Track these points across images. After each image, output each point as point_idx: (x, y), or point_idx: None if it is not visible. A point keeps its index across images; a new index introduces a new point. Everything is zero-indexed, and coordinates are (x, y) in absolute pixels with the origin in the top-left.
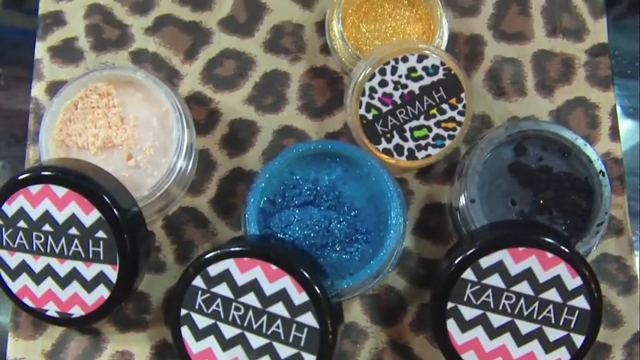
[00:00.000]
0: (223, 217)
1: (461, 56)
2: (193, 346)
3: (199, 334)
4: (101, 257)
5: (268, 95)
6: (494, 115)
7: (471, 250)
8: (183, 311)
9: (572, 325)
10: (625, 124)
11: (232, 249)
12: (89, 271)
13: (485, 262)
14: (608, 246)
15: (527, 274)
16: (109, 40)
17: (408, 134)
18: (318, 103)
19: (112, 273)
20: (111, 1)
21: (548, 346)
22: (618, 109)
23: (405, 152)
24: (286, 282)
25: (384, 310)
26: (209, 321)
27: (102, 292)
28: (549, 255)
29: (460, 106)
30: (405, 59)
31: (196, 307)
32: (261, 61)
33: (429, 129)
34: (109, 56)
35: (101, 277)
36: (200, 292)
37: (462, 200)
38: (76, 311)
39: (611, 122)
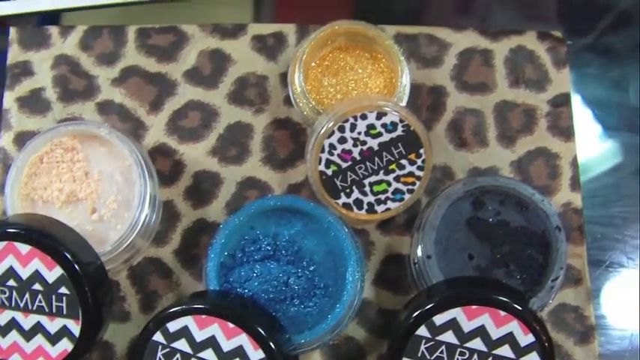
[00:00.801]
0: (187, 268)
1: (423, 107)
2: None
3: None
4: (64, 312)
5: (232, 147)
6: (455, 166)
7: (425, 308)
8: None
9: None
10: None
11: (190, 306)
12: (53, 325)
13: (438, 319)
14: (567, 296)
15: (481, 331)
16: (76, 91)
17: (367, 189)
18: (281, 154)
19: (74, 327)
20: (78, 51)
21: None
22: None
23: (365, 206)
24: (243, 339)
25: None
26: None
27: (65, 346)
28: (502, 313)
29: (419, 162)
30: (363, 117)
31: None
32: (225, 112)
33: (389, 184)
34: (75, 107)
35: (64, 331)
36: (160, 347)
37: (419, 255)
38: None
39: (572, 172)
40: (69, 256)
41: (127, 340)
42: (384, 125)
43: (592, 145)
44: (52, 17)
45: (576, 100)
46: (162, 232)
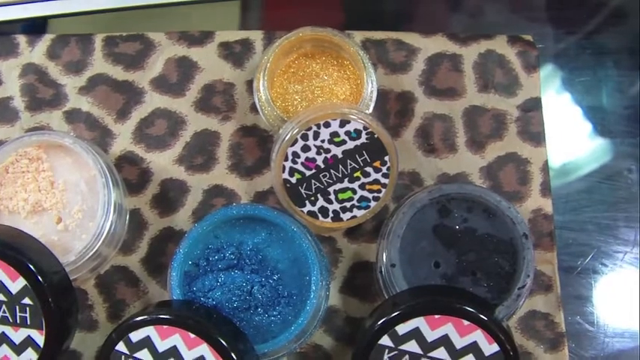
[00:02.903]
0: (154, 276)
1: (391, 113)
2: None
3: None
4: (28, 322)
5: (198, 155)
6: (424, 173)
7: (388, 317)
8: None
9: None
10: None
11: (152, 316)
12: (17, 336)
13: (401, 328)
14: (537, 303)
15: (444, 341)
16: (44, 100)
17: (332, 197)
18: (247, 162)
19: (39, 337)
20: (46, 60)
21: None
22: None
23: (330, 214)
24: (204, 350)
25: None
26: None
27: (30, 356)
28: (465, 322)
29: (384, 169)
30: (327, 124)
31: None
32: (192, 120)
33: (354, 191)
34: (43, 116)
35: (29, 342)
36: (123, 357)
37: (384, 262)
38: None
39: (543, 178)
40: (32, 267)
41: (95, 349)
42: (347, 133)
43: (564, 150)
44: (38, 25)
45: (548, 105)
46: (129, 241)
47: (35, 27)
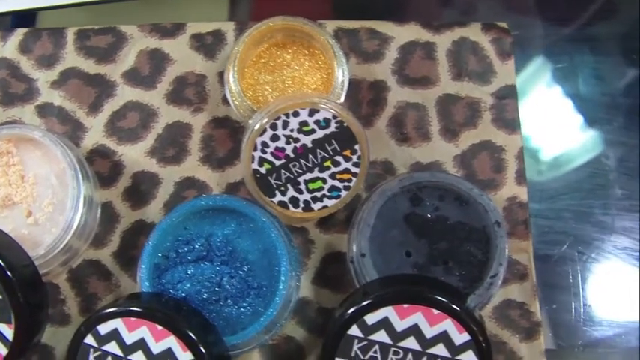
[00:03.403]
0: (126, 269)
1: (363, 102)
2: None
3: None
4: None
5: (170, 147)
6: (397, 162)
7: (357, 307)
8: None
9: None
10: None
11: (120, 308)
12: None
13: (370, 318)
14: (512, 291)
15: (414, 330)
16: (16, 95)
17: (302, 187)
18: (219, 153)
19: (8, 331)
20: (18, 54)
21: None
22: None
23: (301, 204)
24: (172, 341)
25: (283, 359)
26: None
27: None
28: (435, 311)
29: (355, 158)
30: (295, 114)
31: None
32: (164, 112)
33: (324, 181)
34: (15, 110)
35: None
36: (92, 350)
37: (355, 252)
38: None
39: (518, 166)
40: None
41: (67, 343)
42: (316, 122)
43: (539, 137)
44: (27, 18)
45: (524, 93)
46: (101, 234)
47: (25, 19)
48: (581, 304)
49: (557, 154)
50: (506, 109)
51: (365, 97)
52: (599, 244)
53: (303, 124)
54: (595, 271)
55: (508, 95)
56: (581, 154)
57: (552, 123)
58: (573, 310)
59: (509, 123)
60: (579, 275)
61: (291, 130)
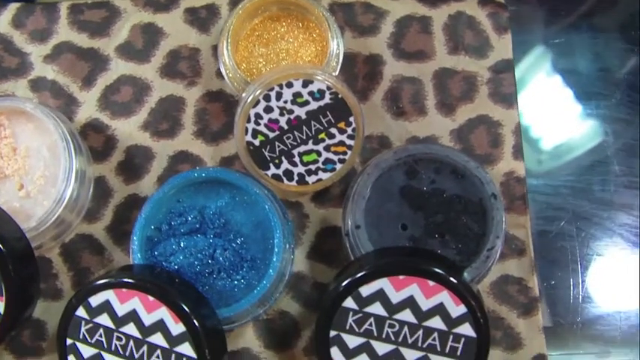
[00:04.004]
0: (119, 244)
1: (359, 76)
2: None
3: None
4: None
5: (164, 121)
6: (393, 136)
7: (351, 279)
8: (69, 341)
9: (458, 353)
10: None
11: (111, 280)
12: None
13: (365, 290)
14: (510, 267)
15: (409, 303)
16: (9, 69)
17: (297, 159)
18: (213, 127)
19: None
20: (11, 29)
21: None
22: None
23: (295, 177)
24: (163, 313)
25: (278, 334)
26: (93, 351)
27: None
28: (431, 283)
29: (350, 130)
30: (289, 85)
31: (81, 337)
32: (157, 86)
33: (319, 153)
34: (8, 85)
35: None
36: (83, 322)
37: (350, 225)
38: None
39: (515, 140)
40: None
41: (59, 317)
42: (310, 93)
43: (537, 113)
44: None
45: (520, 68)
46: (93, 209)
47: None
48: (580, 281)
49: (555, 130)
50: (502, 83)
51: (360, 71)
52: (598, 221)
53: (297, 95)
54: (594, 247)
55: (505, 70)
56: (579, 131)
57: (549, 99)
58: (572, 287)
59: (506, 97)
60: (578, 252)
61: (285, 102)
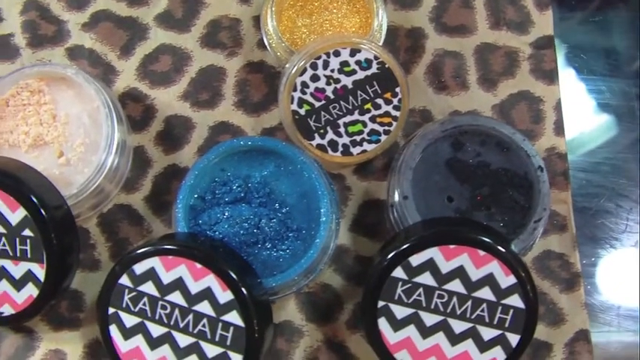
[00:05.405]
0: (158, 215)
1: (401, 49)
2: (122, 344)
3: (127, 333)
4: (28, 255)
5: (204, 91)
6: (435, 110)
7: (401, 248)
8: (111, 310)
9: (506, 324)
10: (572, 119)
11: (157, 247)
12: (17, 270)
13: (415, 259)
14: (552, 243)
15: (459, 272)
16: (45, 37)
17: (342, 130)
18: (254, 98)
19: (39, 271)
20: None
21: (483, 346)
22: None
23: (340, 148)
24: (211, 280)
25: (320, 308)
26: (136, 319)
27: (31, 291)
28: (481, 253)
29: (395, 101)
30: (337, 53)
31: (123, 305)
32: (198, 56)
33: (364, 124)
34: (45, 52)
35: (29, 276)
36: (127, 291)
37: (396, 197)
38: (6, 310)
39: (556, 116)
40: (33, 198)
41: (97, 288)
42: (358, 62)
43: (576, 90)
44: None
45: (560, 45)
46: (132, 179)
47: None
48: (619, 259)
49: (594, 107)
50: (544, 59)
51: (402, 45)
52: (636, 198)
53: (344, 64)
54: (633, 225)
55: (546, 46)
56: (618, 107)
57: (589, 76)
58: (612, 264)
59: (548, 74)
60: (617, 229)
61: (332, 71)
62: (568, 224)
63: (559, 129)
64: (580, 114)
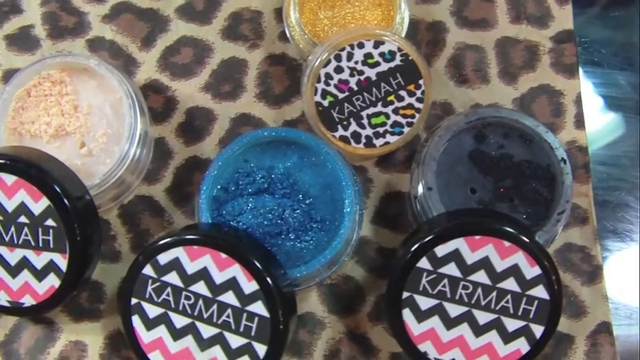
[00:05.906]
0: (179, 206)
1: (422, 43)
2: (144, 335)
3: (150, 324)
4: (51, 245)
5: (225, 83)
6: (456, 103)
7: (427, 239)
8: (134, 300)
9: (531, 315)
10: (591, 112)
11: (182, 237)
12: (39, 260)
13: (440, 250)
14: (573, 235)
15: (484, 263)
16: (66, 28)
17: (365, 121)
18: (276, 90)
19: (61, 262)
20: None
21: (507, 337)
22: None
23: (363, 140)
24: (236, 270)
25: (342, 299)
26: (159, 310)
27: (52, 281)
28: (506, 244)
29: (418, 93)
30: (360, 45)
31: (147, 296)
32: (219, 48)
33: (387, 116)
34: (65, 44)
35: (51, 266)
36: (150, 281)
37: (420, 188)
38: (27, 300)
39: (576, 110)
40: (56, 188)
41: (118, 280)
42: (381, 54)
43: (596, 84)
44: None
45: (580, 40)
46: (153, 170)
47: None
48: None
49: (614, 101)
50: (564, 53)
51: (424, 38)
52: None
53: (368, 56)
54: None
55: (566, 40)
56: (638, 101)
57: (608, 70)
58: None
59: (568, 68)
60: (638, 222)
61: (356, 62)
62: (589, 217)
63: (579, 122)
64: (599, 108)
